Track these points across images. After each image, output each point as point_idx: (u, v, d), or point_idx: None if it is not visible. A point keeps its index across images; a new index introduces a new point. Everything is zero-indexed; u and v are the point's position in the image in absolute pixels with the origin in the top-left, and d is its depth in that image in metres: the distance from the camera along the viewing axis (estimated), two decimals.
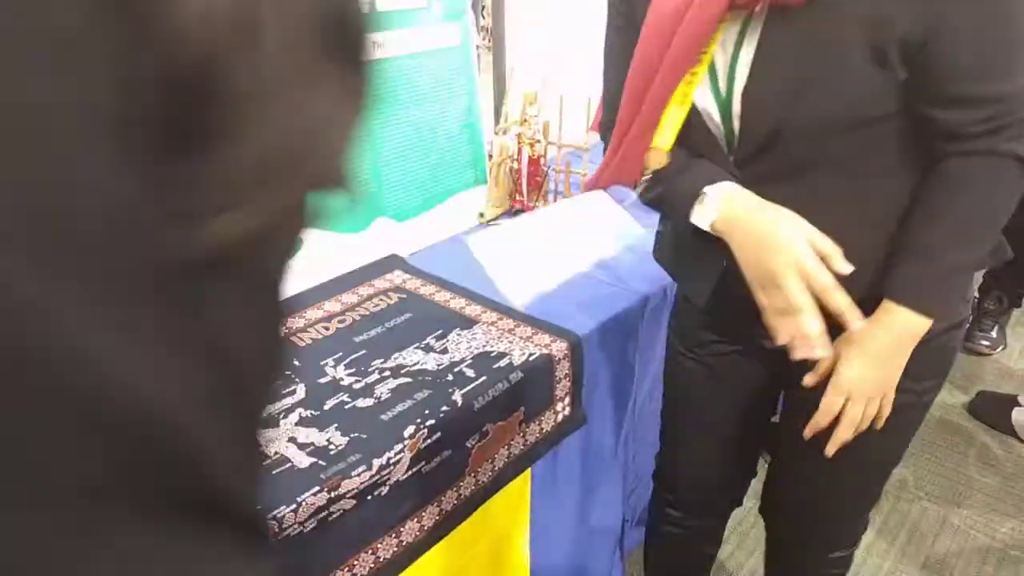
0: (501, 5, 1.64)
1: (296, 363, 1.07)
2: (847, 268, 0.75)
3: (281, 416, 0.96)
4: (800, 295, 0.75)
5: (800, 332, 0.77)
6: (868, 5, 0.72)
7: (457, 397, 1.00)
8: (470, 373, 1.05)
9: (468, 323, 1.18)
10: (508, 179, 1.60)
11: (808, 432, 0.90)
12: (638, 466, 1.50)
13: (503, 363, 1.08)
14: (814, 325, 0.76)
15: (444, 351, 1.11)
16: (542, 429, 1.15)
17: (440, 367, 1.07)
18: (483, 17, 1.65)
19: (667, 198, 0.91)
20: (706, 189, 0.83)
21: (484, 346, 1.12)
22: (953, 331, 0.92)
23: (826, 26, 0.74)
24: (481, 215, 1.58)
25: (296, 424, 0.95)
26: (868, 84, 0.76)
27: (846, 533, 1.14)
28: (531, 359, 1.09)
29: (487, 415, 1.03)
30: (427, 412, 0.97)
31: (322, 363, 1.07)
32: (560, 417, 1.18)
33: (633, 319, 1.29)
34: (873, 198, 0.84)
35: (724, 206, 0.82)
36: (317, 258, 1.28)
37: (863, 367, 0.84)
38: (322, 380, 1.04)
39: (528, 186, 1.56)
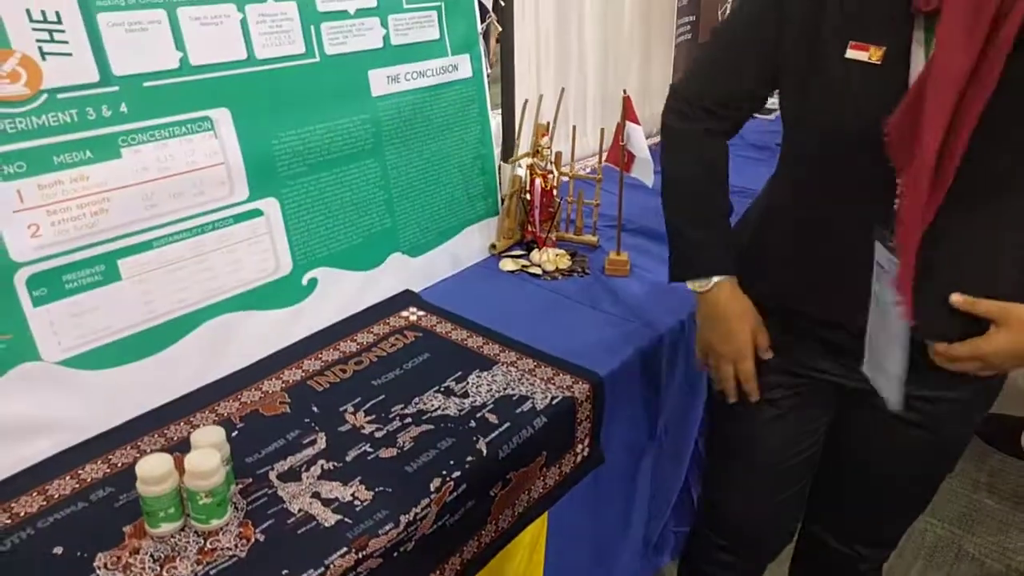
0: (510, 34, 1.63)
1: (315, 409, 1.05)
2: (769, 355, 1.00)
3: (303, 469, 0.94)
4: (727, 379, 1.03)
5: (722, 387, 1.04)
6: None
7: (482, 446, 0.98)
8: (493, 419, 1.03)
9: (487, 363, 1.16)
10: (520, 210, 1.58)
11: (937, 349, 0.86)
12: (656, 498, 1.48)
13: (526, 407, 1.06)
14: (729, 393, 1.04)
15: (464, 395, 1.09)
16: (562, 471, 1.13)
17: (462, 412, 1.05)
18: (492, 42, 1.63)
19: (675, 253, 1.03)
20: (714, 278, 0.99)
21: (505, 388, 1.10)
22: None
23: None
24: (493, 247, 1.56)
25: (319, 477, 0.92)
26: None
27: (887, 539, 1.19)
28: (554, 403, 1.07)
29: (511, 463, 1.01)
30: (452, 463, 0.95)
31: (341, 409, 1.05)
32: (579, 458, 1.16)
33: (654, 355, 1.27)
34: None
35: (713, 291, 0.99)
36: (330, 297, 1.25)
37: (1009, 347, 0.82)
38: (342, 428, 1.01)
39: (540, 217, 1.55)
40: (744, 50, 0.91)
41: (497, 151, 1.62)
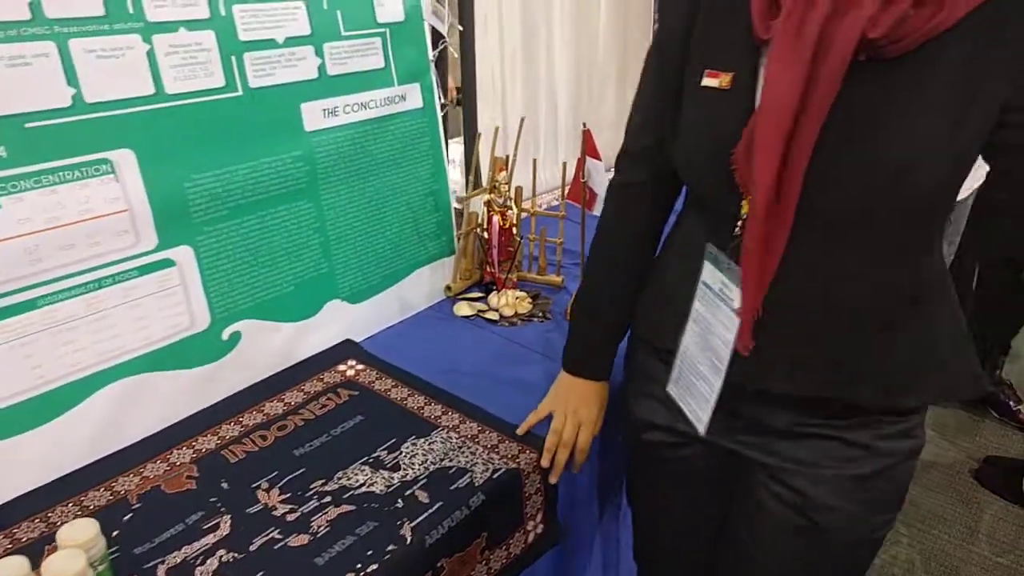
0: (471, 60, 1.54)
1: (224, 486, 0.93)
2: (578, 464, 1.02)
3: (198, 562, 0.82)
4: (567, 441, 1.00)
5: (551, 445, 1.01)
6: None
7: (406, 531, 0.86)
8: (423, 498, 0.91)
9: (425, 428, 1.05)
10: (478, 249, 1.48)
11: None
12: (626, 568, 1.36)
13: (462, 483, 0.94)
14: (548, 451, 1.00)
15: (395, 467, 0.97)
16: (510, 553, 1.01)
17: (390, 489, 0.93)
18: (449, 69, 1.53)
19: (572, 343, 1.05)
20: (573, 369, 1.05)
21: (442, 460, 0.98)
22: (911, 461, 0.84)
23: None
24: (448, 288, 1.45)
25: (215, 573, 0.80)
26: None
27: None
28: (495, 476, 0.96)
29: (442, 549, 0.89)
30: (370, 553, 0.83)
31: (254, 485, 0.93)
32: (532, 537, 1.04)
33: (614, 413, 1.16)
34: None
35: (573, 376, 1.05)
36: (256, 352, 1.14)
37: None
38: (252, 509, 0.90)
39: (499, 256, 1.44)
40: (648, 100, 0.90)
41: (461, 183, 1.52)
